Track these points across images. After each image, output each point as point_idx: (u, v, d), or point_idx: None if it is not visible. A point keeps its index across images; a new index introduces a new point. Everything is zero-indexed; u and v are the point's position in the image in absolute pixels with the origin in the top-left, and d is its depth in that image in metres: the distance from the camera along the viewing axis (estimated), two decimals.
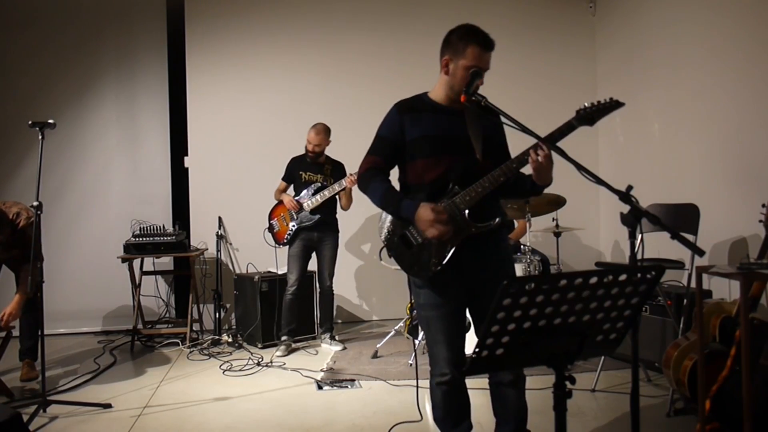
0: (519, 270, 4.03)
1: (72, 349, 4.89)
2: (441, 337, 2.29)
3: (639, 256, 2.63)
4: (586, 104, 2.02)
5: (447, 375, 2.30)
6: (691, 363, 2.87)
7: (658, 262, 3.74)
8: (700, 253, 1.73)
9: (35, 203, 3.28)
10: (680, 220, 3.74)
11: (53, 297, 4.73)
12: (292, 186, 4.72)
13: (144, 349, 4.85)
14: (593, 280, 1.42)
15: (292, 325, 4.63)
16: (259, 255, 5.11)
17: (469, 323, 2.80)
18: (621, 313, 1.53)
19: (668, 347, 3.08)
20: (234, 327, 5.21)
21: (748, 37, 3.83)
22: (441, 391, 2.34)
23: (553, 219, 4.46)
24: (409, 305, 4.86)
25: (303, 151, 4.65)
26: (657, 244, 3.96)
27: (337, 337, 4.81)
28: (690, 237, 3.63)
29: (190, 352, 4.62)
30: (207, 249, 5.40)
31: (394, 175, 2.38)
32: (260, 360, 4.32)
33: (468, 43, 2.18)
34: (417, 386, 2.74)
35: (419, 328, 4.29)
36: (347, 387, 3.73)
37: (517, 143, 2.27)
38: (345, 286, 5.73)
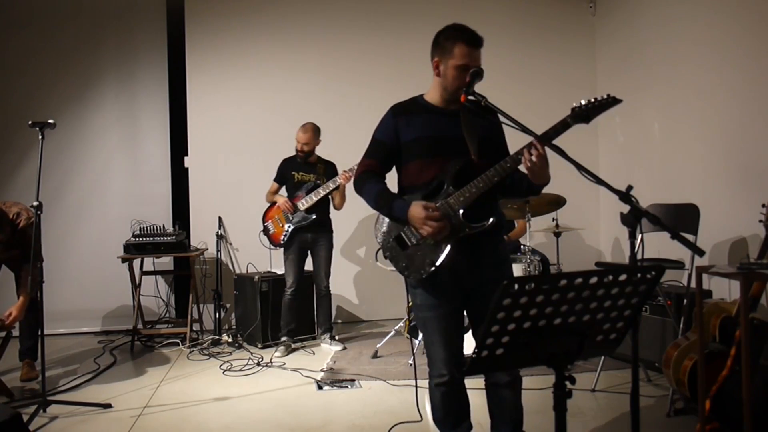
0: (519, 270, 4.03)
1: (72, 349, 4.89)
2: (438, 338, 2.29)
3: (639, 256, 2.63)
4: (582, 101, 2.02)
5: (445, 376, 2.30)
6: (691, 363, 2.87)
7: (658, 262, 3.74)
8: (700, 253, 1.72)
9: (35, 203, 3.28)
10: (680, 220, 3.74)
11: (53, 297, 4.73)
12: (284, 187, 4.71)
13: (144, 349, 4.85)
14: (593, 280, 1.42)
15: (292, 326, 4.63)
16: (259, 255, 5.11)
17: (468, 324, 2.80)
18: (621, 313, 1.53)
19: (668, 347, 3.08)
20: (234, 327, 5.21)
21: (748, 36, 3.83)
22: (440, 392, 2.34)
23: (553, 219, 4.46)
24: (410, 305, 4.87)
25: (293, 153, 4.66)
26: (657, 244, 3.96)
27: (337, 337, 4.81)
28: (690, 237, 3.62)
29: (190, 352, 4.62)
30: (207, 249, 5.40)
31: (394, 177, 2.39)
32: (260, 360, 4.32)
33: (455, 42, 2.18)
34: (416, 386, 2.74)
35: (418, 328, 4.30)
36: (347, 387, 3.73)
37: (518, 143, 2.27)
38: (345, 286, 5.74)
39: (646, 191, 4.52)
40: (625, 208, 1.76)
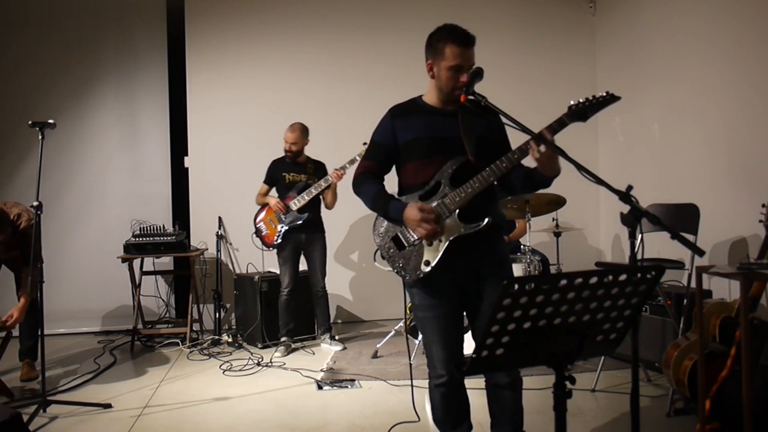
0: (519, 270, 4.03)
1: (72, 349, 4.89)
2: (436, 338, 2.29)
3: (639, 256, 2.63)
4: (580, 99, 2.02)
5: (444, 377, 2.30)
6: (691, 363, 2.87)
7: (658, 262, 3.74)
8: (700, 253, 1.72)
9: (35, 203, 3.28)
10: (680, 220, 3.74)
11: (53, 297, 4.73)
12: (274, 189, 4.70)
13: (144, 349, 4.85)
14: (593, 280, 1.42)
15: (290, 325, 4.62)
16: (260, 255, 5.11)
17: (467, 324, 2.80)
18: (621, 313, 1.53)
19: (668, 347, 3.08)
20: (234, 327, 5.21)
21: (748, 36, 3.83)
22: (439, 392, 2.34)
23: (553, 219, 4.46)
24: (410, 305, 4.86)
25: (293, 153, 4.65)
26: (657, 244, 3.96)
27: (337, 337, 4.81)
28: (690, 237, 3.62)
29: (190, 352, 4.62)
30: (207, 249, 5.40)
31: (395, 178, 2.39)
32: (260, 360, 4.32)
33: (445, 44, 2.19)
34: (411, 386, 2.75)
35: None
36: (347, 387, 3.73)
37: (520, 142, 2.26)
38: (345, 286, 5.74)
39: (646, 191, 4.51)
40: (625, 208, 1.75)
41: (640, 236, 2.72)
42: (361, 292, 5.77)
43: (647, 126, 4.98)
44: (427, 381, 2.39)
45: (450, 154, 2.23)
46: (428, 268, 2.21)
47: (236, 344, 4.78)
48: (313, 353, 4.55)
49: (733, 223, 3.93)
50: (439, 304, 2.28)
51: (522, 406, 2.37)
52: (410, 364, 3.01)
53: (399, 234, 2.29)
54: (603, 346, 1.60)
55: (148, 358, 4.60)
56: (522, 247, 4.27)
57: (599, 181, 1.84)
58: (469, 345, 2.66)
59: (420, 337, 4.00)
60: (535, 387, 3.31)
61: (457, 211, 2.19)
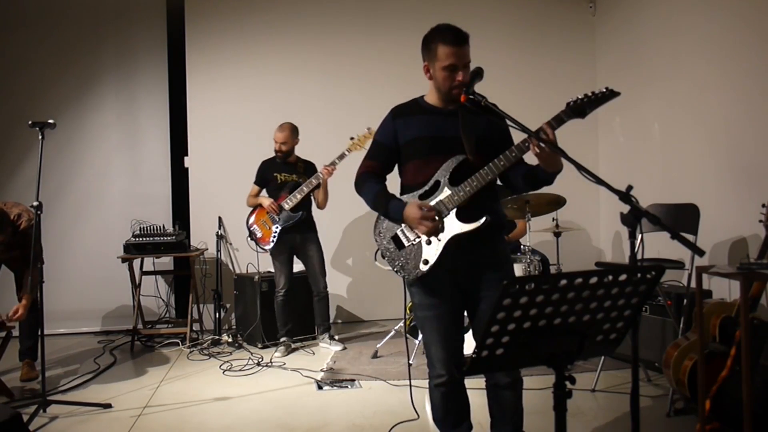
0: (519, 270, 4.03)
1: (72, 349, 4.89)
2: (436, 337, 2.30)
3: (639, 256, 2.63)
4: (579, 96, 2.02)
5: (443, 377, 2.30)
6: (691, 363, 2.87)
7: (658, 262, 3.74)
8: (700, 253, 1.72)
9: (35, 203, 3.28)
10: (680, 220, 3.74)
11: (53, 297, 4.72)
12: (264, 190, 4.68)
13: (144, 349, 4.85)
14: (593, 280, 1.42)
15: (289, 326, 4.62)
16: (260, 255, 5.11)
17: (468, 324, 2.80)
18: (621, 313, 1.53)
19: (668, 347, 3.08)
20: (234, 327, 5.22)
21: (748, 37, 3.83)
22: (439, 392, 2.34)
23: (553, 219, 4.46)
24: (410, 305, 4.86)
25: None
26: (657, 244, 3.96)
27: (336, 337, 4.80)
28: (690, 237, 3.63)
29: (190, 352, 4.62)
30: (207, 249, 5.40)
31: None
32: (260, 360, 4.32)
33: (437, 44, 2.20)
34: (410, 384, 2.75)
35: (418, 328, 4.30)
36: (347, 387, 3.73)
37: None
38: (345, 286, 5.74)
39: (646, 191, 4.51)
40: (625, 208, 1.75)
41: (640, 236, 2.72)
42: (361, 292, 5.77)
43: (647, 126, 4.98)
44: (423, 380, 2.39)
45: (450, 154, 2.23)
46: (427, 267, 2.22)
47: (236, 344, 4.78)
48: (313, 353, 4.55)
49: (733, 223, 3.92)
50: (438, 304, 2.28)
51: (522, 406, 2.37)
52: (408, 363, 3.01)
53: (398, 233, 2.30)
54: (603, 346, 1.60)
55: (148, 358, 4.60)
56: (522, 247, 4.27)
57: (599, 181, 1.83)
58: (469, 345, 2.66)
59: (420, 336, 4.01)
60: (535, 387, 3.31)
61: (455, 209, 2.20)
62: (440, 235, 2.21)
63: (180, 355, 4.60)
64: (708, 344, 2.83)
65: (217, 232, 5.37)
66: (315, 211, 4.67)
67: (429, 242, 2.22)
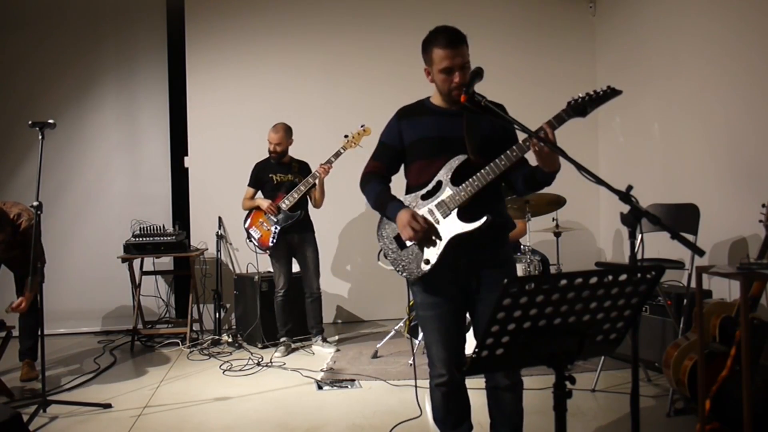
0: (519, 270, 4.03)
1: (72, 349, 4.89)
2: (437, 337, 2.30)
3: (639, 256, 2.63)
4: (580, 94, 2.01)
5: (444, 376, 2.30)
6: (691, 363, 2.87)
7: (658, 262, 3.74)
8: (700, 253, 1.72)
9: (35, 203, 3.28)
10: (680, 220, 3.74)
11: (53, 297, 4.73)
12: (260, 192, 4.68)
13: (144, 349, 4.85)
14: (593, 280, 1.42)
15: (289, 326, 4.62)
16: (259, 255, 5.11)
17: (469, 324, 2.80)
18: (621, 313, 1.53)
19: (668, 347, 3.08)
20: (234, 327, 5.22)
21: (748, 37, 3.83)
22: (440, 392, 2.34)
23: (553, 219, 4.46)
24: (410, 305, 4.86)
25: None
26: (657, 244, 3.96)
27: (329, 339, 4.78)
28: (690, 237, 3.63)
29: (190, 352, 4.62)
30: (207, 249, 5.40)
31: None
32: (260, 360, 4.32)
33: (432, 48, 2.21)
34: (416, 381, 2.75)
35: (418, 328, 4.30)
36: (347, 387, 3.73)
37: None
38: (344, 286, 5.74)
39: (646, 191, 4.51)
40: (626, 208, 1.75)
41: (640, 236, 2.73)
42: (360, 292, 5.77)
43: (647, 126, 4.98)
44: (427, 380, 2.39)
45: (453, 154, 2.24)
46: (428, 267, 2.22)
47: (236, 344, 4.77)
48: (313, 353, 4.55)
49: (733, 223, 3.92)
50: (440, 303, 2.29)
51: (522, 408, 2.36)
52: (413, 362, 2.99)
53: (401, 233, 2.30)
54: (603, 346, 1.60)
55: (148, 358, 4.60)
56: (522, 247, 4.27)
57: (599, 181, 1.83)
58: (470, 344, 2.66)
59: (420, 336, 4.01)
60: (535, 387, 3.31)
61: (456, 209, 2.20)
62: (441, 235, 2.21)
63: (180, 355, 4.60)
64: (708, 344, 2.83)
65: (217, 232, 5.37)
66: (315, 210, 4.67)
67: (430, 242, 2.22)
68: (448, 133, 2.26)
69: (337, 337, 5.02)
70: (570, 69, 5.83)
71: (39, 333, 3.48)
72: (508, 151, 2.13)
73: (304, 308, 4.72)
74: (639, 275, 1.46)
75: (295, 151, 4.72)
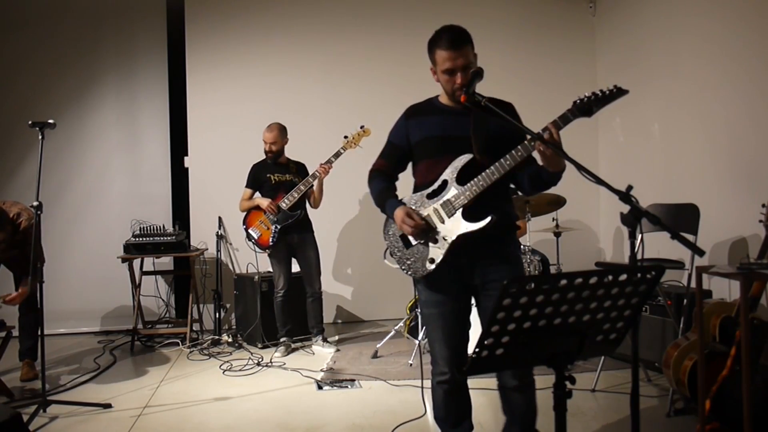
0: None
1: (72, 349, 4.89)
2: (440, 335, 2.30)
3: (639, 256, 2.63)
4: (586, 94, 2.01)
5: (446, 374, 2.31)
6: (691, 363, 2.87)
7: (658, 262, 3.74)
8: (700, 253, 1.72)
9: (35, 203, 3.28)
10: (680, 220, 3.74)
11: (53, 297, 4.72)
12: (258, 193, 4.67)
13: (144, 349, 4.85)
14: (593, 280, 1.42)
15: (289, 326, 4.61)
16: (259, 255, 5.10)
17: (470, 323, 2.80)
18: (621, 313, 1.53)
19: (668, 347, 3.08)
20: (234, 327, 5.21)
21: (748, 37, 3.83)
22: (442, 390, 2.35)
23: (553, 219, 4.46)
24: (410, 305, 4.86)
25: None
26: (657, 244, 3.96)
27: (329, 339, 4.78)
28: (690, 237, 3.62)
29: (190, 352, 4.62)
30: (207, 249, 5.40)
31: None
32: (260, 360, 4.32)
33: (435, 50, 2.23)
34: (422, 378, 2.74)
35: (419, 328, 4.30)
36: (347, 387, 3.73)
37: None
38: (344, 285, 5.74)
39: (646, 191, 4.51)
40: (625, 208, 1.75)
41: (640, 236, 2.72)
42: (361, 292, 5.77)
43: (647, 126, 4.98)
44: (422, 381, 2.39)
45: (459, 153, 2.24)
46: (433, 266, 2.23)
47: (236, 344, 4.77)
48: (313, 353, 4.55)
49: (733, 223, 3.92)
50: (444, 302, 2.29)
51: (534, 408, 2.34)
52: (419, 361, 2.98)
53: None
54: (603, 346, 1.60)
55: (148, 358, 4.60)
56: (522, 247, 4.27)
57: (599, 181, 1.83)
58: (473, 344, 2.66)
59: (419, 336, 4.01)
60: (536, 387, 3.30)
61: (461, 209, 2.20)
62: (446, 235, 2.21)
63: (180, 355, 4.60)
64: (708, 344, 2.83)
65: (217, 232, 5.37)
66: (315, 211, 4.67)
67: (435, 241, 2.23)
68: (454, 132, 2.27)
69: (337, 337, 5.02)
70: (570, 69, 5.83)
71: (39, 333, 3.48)
72: (513, 151, 2.12)
73: (304, 308, 4.72)
74: (639, 275, 1.47)
75: (294, 151, 4.72)
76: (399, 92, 5.87)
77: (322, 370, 4.07)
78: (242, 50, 5.64)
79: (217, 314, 5.02)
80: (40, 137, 3.33)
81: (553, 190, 3.20)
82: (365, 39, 5.74)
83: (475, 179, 2.18)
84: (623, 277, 1.45)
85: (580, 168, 1.86)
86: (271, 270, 4.77)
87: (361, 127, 4.46)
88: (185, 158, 5.60)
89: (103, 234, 5.44)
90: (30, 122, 3.35)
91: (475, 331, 1.85)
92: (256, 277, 4.79)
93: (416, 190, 2.37)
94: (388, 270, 5.56)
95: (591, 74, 5.85)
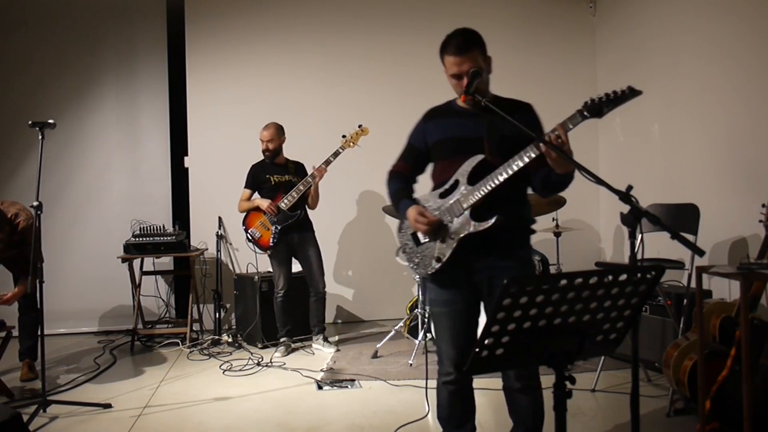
0: None
1: (72, 349, 4.89)
2: (447, 335, 2.32)
3: (639, 256, 2.63)
4: (599, 95, 1.99)
5: (452, 374, 2.31)
6: (691, 363, 2.87)
7: (658, 262, 3.74)
8: (700, 253, 1.72)
9: (35, 203, 3.28)
10: (680, 220, 3.74)
11: (53, 297, 4.71)
12: (257, 193, 4.67)
13: (144, 349, 4.85)
14: (593, 280, 1.42)
15: (289, 326, 4.61)
16: (259, 255, 5.11)
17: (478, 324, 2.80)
18: (621, 313, 1.53)
19: (668, 347, 3.08)
20: (234, 327, 5.21)
21: (748, 37, 3.83)
22: (447, 390, 2.35)
23: (553, 219, 4.46)
24: (410, 305, 4.87)
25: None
26: (657, 244, 3.96)
27: (330, 339, 4.77)
28: (690, 237, 3.63)
29: (190, 352, 4.62)
30: (207, 249, 5.40)
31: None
32: (260, 360, 4.32)
33: (443, 56, 2.28)
34: (426, 377, 2.74)
35: (419, 328, 4.30)
36: (347, 387, 3.73)
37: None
38: (345, 286, 5.74)
39: (646, 191, 4.51)
40: (626, 208, 1.75)
41: (640, 236, 2.72)
42: (361, 292, 5.77)
43: (647, 126, 4.98)
44: (427, 380, 2.39)
45: (472, 154, 2.25)
46: (439, 265, 2.25)
47: (236, 344, 4.77)
48: (313, 353, 4.55)
49: (733, 223, 3.92)
50: (452, 301, 2.31)
51: (540, 411, 2.33)
52: (425, 360, 2.97)
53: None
54: (603, 346, 1.60)
55: (148, 358, 4.60)
56: None
57: (599, 181, 1.84)
58: None
59: (420, 337, 4.02)
60: (542, 390, 3.30)
61: (470, 208, 2.20)
62: (454, 234, 2.23)
63: (180, 355, 4.60)
64: (708, 344, 2.83)
65: (217, 232, 5.37)
66: (315, 211, 4.67)
67: (444, 240, 2.23)
68: (468, 133, 2.29)
69: (337, 337, 5.01)
70: (570, 69, 5.83)
71: (39, 333, 3.48)
72: (521, 152, 2.12)
73: (304, 308, 4.72)
74: (639, 275, 1.47)
75: (294, 151, 4.72)
76: (399, 92, 5.92)
77: (322, 370, 4.07)
78: (242, 50, 5.64)
79: (217, 314, 5.02)
80: (40, 137, 3.33)
81: None
82: (365, 39, 5.74)
83: (484, 180, 2.19)
84: (623, 277, 1.45)
85: (580, 168, 1.86)
86: (271, 270, 4.77)
87: (360, 126, 4.46)
88: (185, 158, 5.60)
89: (103, 234, 5.44)
90: (30, 122, 3.35)
91: None
92: (256, 277, 4.79)
93: (433, 190, 2.39)
94: (388, 270, 5.59)
95: (591, 74, 5.85)
